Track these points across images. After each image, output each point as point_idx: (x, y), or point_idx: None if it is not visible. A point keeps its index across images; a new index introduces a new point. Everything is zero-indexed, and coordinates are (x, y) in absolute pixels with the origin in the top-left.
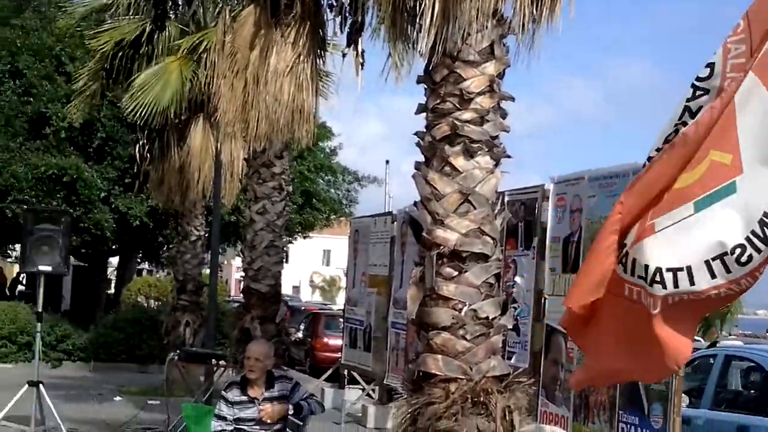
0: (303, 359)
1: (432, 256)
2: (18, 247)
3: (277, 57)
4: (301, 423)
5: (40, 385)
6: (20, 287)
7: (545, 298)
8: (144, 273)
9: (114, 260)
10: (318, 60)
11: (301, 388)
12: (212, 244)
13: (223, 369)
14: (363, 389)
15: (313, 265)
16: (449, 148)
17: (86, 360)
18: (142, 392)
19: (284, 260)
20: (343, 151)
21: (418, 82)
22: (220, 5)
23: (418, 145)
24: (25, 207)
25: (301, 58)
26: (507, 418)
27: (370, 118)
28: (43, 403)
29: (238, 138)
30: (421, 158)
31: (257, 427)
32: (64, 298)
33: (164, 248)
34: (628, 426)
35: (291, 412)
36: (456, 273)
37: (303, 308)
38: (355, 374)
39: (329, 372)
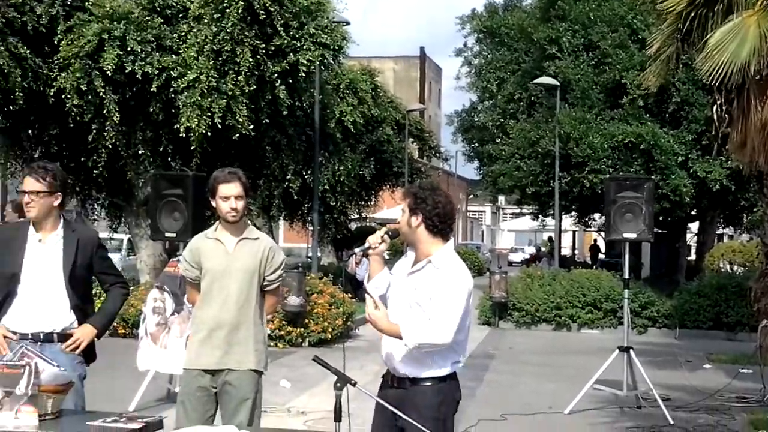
0: None
1: None
2: (595, 216)
3: None
4: None
5: (630, 351)
6: (600, 255)
7: None
8: (725, 238)
9: (693, 226)
10: None
11: None
12: None
13: None
14: None
15: None
16: None
17: (670, 327)
18: (733, 360)
19: None
20: None
21: None
22: None
23: None
24: (602, 177)
25: None
26: None
27: None
28: (633, 368)
29: None
30: None
31: None
32: (643, 265)
33: (746, 212)
34: None
35: None
36: None
37: None
38: None
39: None
